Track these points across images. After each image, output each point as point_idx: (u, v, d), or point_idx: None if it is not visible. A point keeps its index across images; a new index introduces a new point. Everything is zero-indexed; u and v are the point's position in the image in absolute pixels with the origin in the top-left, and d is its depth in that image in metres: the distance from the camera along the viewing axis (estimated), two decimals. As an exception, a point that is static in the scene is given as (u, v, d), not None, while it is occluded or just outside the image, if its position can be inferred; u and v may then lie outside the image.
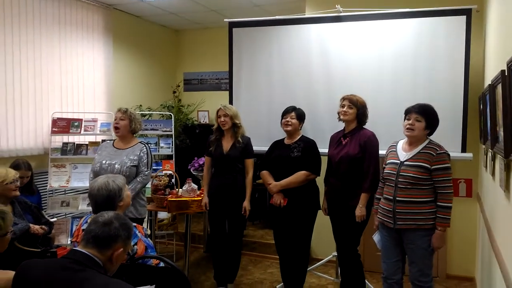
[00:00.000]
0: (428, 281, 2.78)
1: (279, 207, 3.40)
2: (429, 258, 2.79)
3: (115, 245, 1.66)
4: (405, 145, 2.88)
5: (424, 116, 2.77)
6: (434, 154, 2.72)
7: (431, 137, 2.87)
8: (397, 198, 2.78)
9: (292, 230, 3.43)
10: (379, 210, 2.96)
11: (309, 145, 3.43)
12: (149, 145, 3.56)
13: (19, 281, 1.62)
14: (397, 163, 2.82)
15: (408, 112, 2.84)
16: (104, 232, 1.65)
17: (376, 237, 3.05)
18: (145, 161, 3.39)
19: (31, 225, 3.27)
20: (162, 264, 2.21)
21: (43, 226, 3.36)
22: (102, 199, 2.23)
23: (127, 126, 3.40)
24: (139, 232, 2.31)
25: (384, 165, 2.97)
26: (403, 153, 2.84)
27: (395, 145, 2.95)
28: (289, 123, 3.43)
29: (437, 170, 2.70)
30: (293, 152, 3.40)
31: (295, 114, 3.44)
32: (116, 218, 1.72)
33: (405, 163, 2.78)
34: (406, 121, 2.83)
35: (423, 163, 2.72)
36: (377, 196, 3.05)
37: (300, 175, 3.36)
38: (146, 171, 3.40)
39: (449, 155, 2.78)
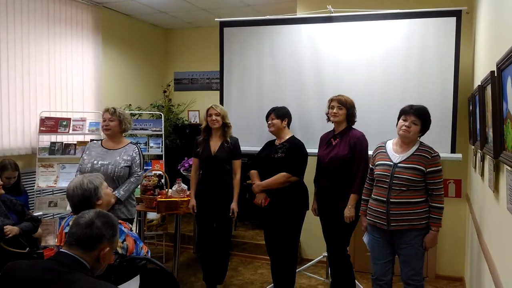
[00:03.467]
0: (420, 279, 2.81)
1: (261, 206, 3.43)
2: (422, 257, 2.82)
3: (100, 245, 1.63)
4: (396, 146, 2.85)
5: (421, 120, 2.75)
6: (429, 157, 2.72)
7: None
8: (391, 200, 2.75)
9: (280, 230, 3.42)
10: (368, 212, 2.94)
11: (294, 146, 3.40)
12: (139, 145, 3.53)
13: (3, 283, 1.59)
14: (390, 164, 2.79)
15: (405, 113, 2.78)
16: (87, 235, 1.61)
17: (366, 238, 3.05)
18: (138, 161, 3.37)
19: (6, 226, 3.13)
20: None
21: (16, 228, 3.19)
22: (77, 199, 2.21)
23: (117, 127, 3.36)
24: (124, 227, 2.28)
25: (371, 166, 2.94)
26: (395, 155, 2.81)
27: (384, 145, 2.92)
28: (271, 124, 3.44)
29: (431, 172, 2.71)
30: (277, 153, 3.40)
31: (275, 114, 3.44)
32: (97, 217, 1.67)
33: (399, 165, 2.76)
34: (402, 121, 2.78)
35: (418, 166, 2.71)
36: (364, 198, 3.02)
37: (280, 176, 3.35)
38: (139, 172, 3.38)
39: (440, 156, 2.79)
